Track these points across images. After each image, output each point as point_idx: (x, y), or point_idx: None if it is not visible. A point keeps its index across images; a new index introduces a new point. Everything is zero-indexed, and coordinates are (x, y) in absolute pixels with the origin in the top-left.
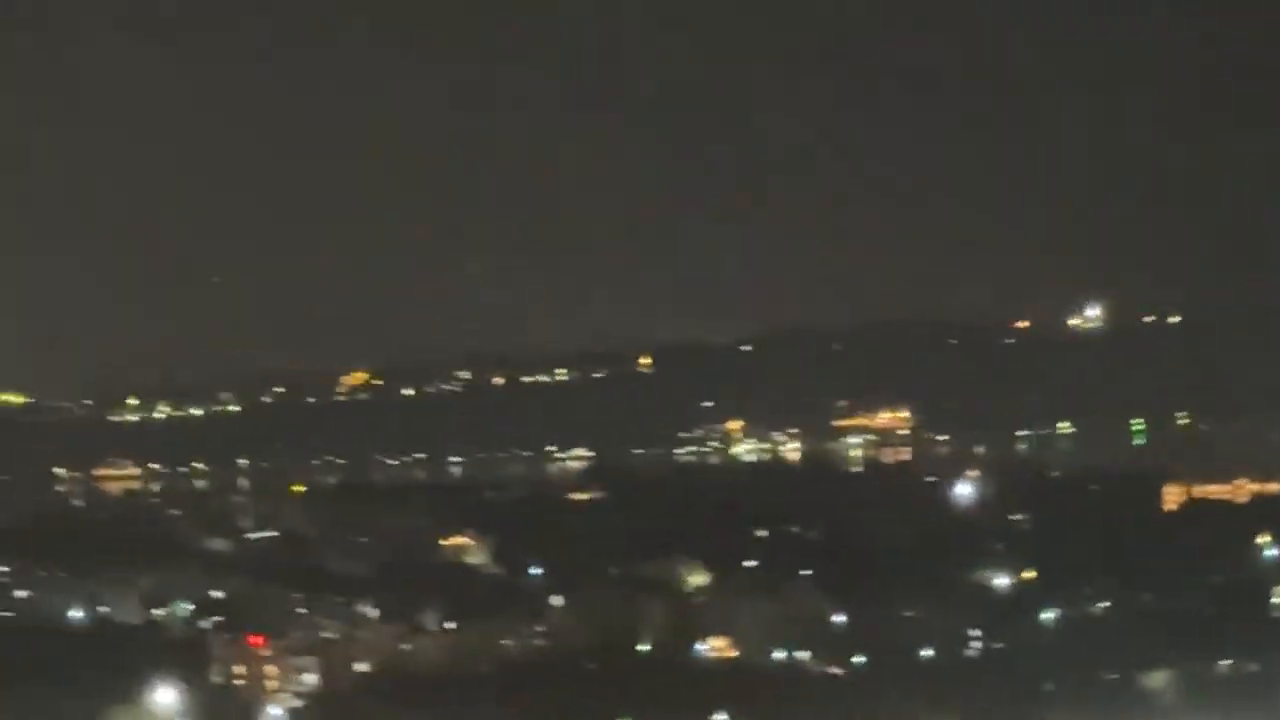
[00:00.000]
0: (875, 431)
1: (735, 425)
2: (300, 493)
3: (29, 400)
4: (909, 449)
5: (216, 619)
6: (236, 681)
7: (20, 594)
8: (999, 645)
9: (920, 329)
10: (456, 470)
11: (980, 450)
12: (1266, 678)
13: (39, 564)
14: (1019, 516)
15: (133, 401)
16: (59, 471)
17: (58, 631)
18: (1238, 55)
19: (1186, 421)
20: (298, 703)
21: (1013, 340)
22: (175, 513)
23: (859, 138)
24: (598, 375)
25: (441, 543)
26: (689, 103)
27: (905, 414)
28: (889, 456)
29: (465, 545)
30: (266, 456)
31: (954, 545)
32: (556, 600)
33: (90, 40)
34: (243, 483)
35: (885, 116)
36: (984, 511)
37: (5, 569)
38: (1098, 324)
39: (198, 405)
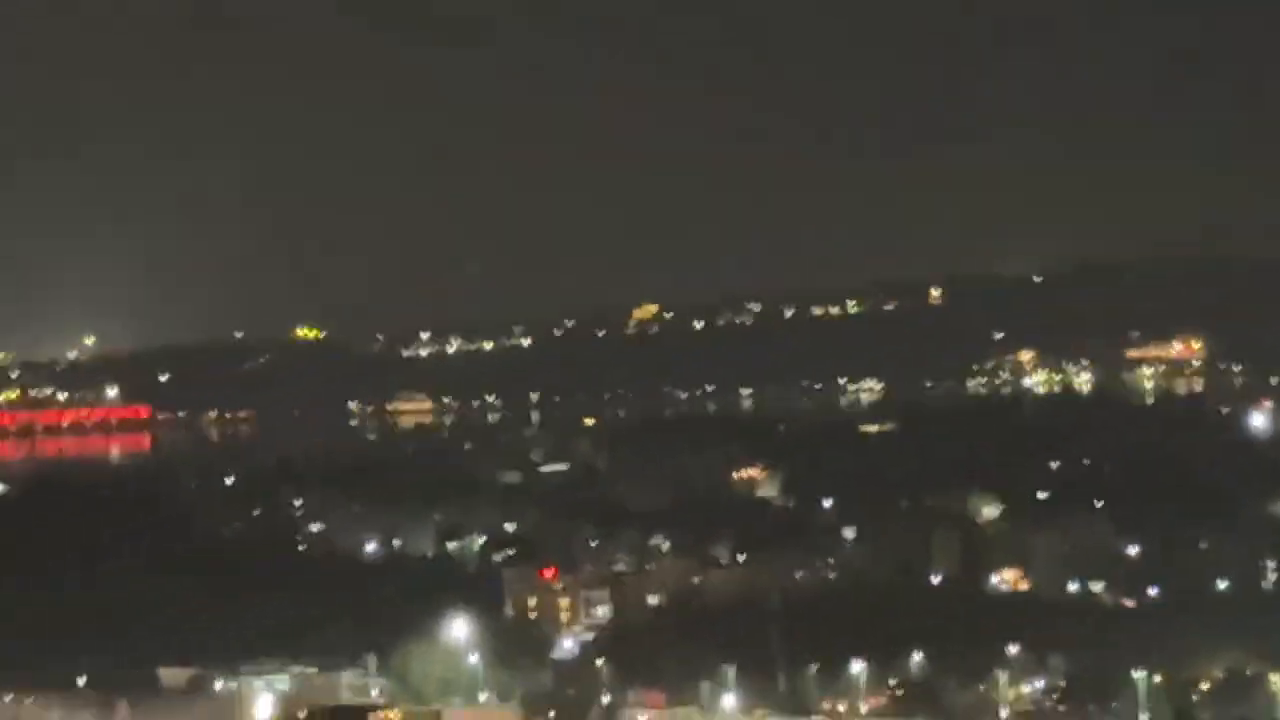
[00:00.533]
0: (1168, 362)
1: (1027, 357)
2: (592, 426)
3: (325, 335)
4: (1202, 379)
5: (509, 552)
6: (530, 614)
7: (316, 527)
8: None
9: (1213, 260)
10: (747, 403)
11: (1275, 380)
12: None
13: (335, 498)
14: None
15: (425, 336)
16: (353, 406)
17: (353, 564)
18: None
19: None
20: (590, 635)
21: None
22: (468, 446)
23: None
24: (889, 307)
25: (733, 475)
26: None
27: (1198, 344)
28: (1182, 387)
29: (756, 478)
30: (558, 390)
31: (1248, 476)
32: (848, 532)
33: None
34: (535, 416)
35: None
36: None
37: (301, 502)
38: None
39: (490, 339)
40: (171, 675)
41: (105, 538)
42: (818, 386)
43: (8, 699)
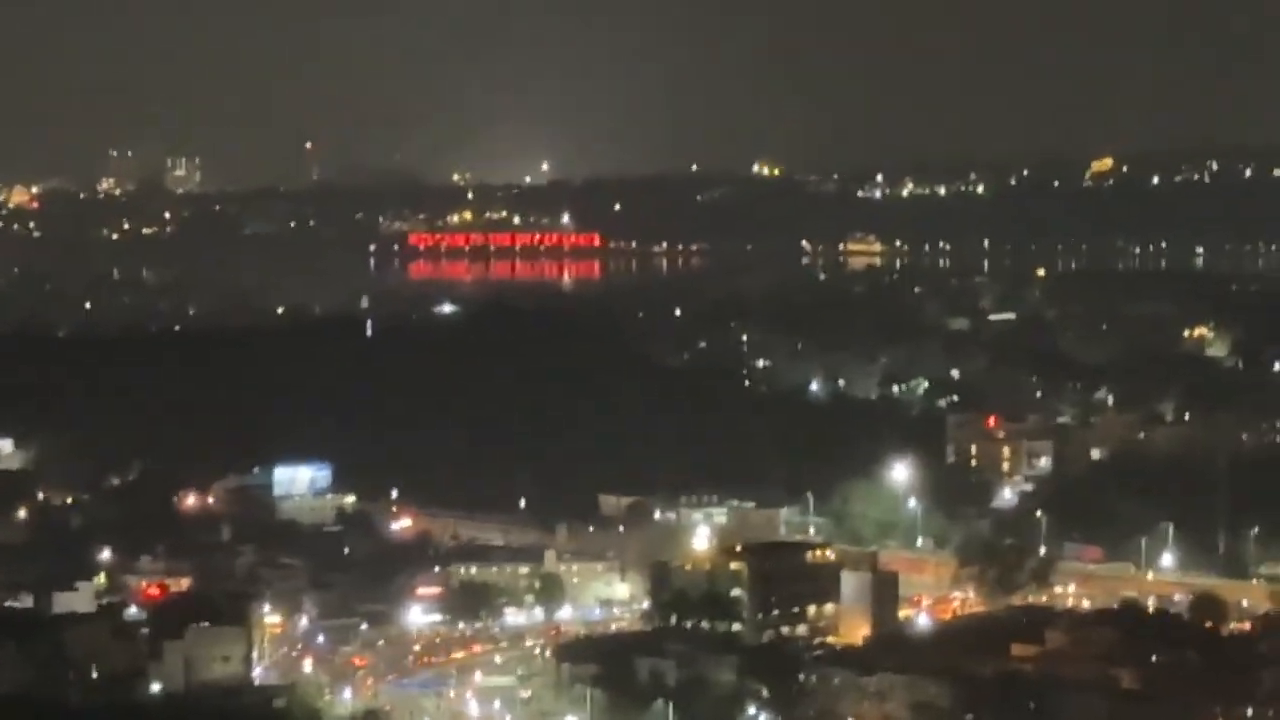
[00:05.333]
0: None
1: None
2: (1042, 276)
3: (782, 173)
4: None
5: (953, 398)
6: (971, 461)
7: (761, 363)
8: None
9: None
10: (1200, 260)
11: None
12: None
13: (782, 335)
14: None
15: (880, 178)
16: (806, 244)
17: (797, 401)
18: None
19: None
20: (1030, 486)
21: None
22: (917, 290)
23: None
24: None
25: (1182, 332)
26: None
27: None
28: None
29: (1206, 336)
30: (1010, 238)
31: None
32: None
33: None
34: (985, 264)
35: None
36: None
37: (748, 338)
38: None
39: (944, 184)
40: (611, 503)
41: (553, 363)
42: (1274, 247)
43: (452, 520)
